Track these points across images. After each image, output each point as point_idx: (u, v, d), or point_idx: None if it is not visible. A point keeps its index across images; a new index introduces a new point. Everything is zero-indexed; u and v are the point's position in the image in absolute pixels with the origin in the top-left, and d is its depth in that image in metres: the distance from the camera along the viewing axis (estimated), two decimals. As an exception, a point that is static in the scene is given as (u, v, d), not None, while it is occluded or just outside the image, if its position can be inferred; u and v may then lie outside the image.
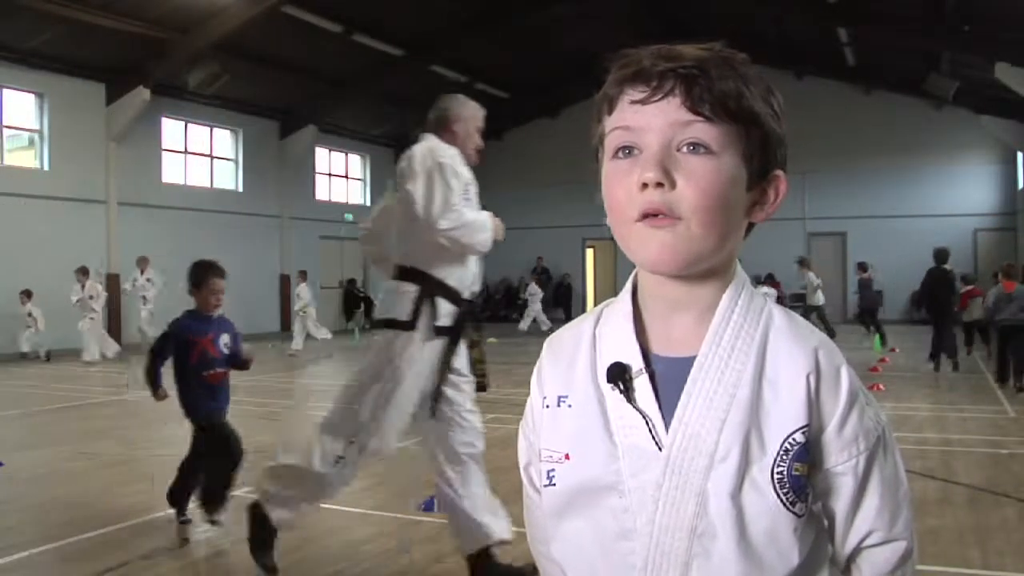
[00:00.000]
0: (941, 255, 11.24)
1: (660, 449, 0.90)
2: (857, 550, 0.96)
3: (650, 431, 0.91)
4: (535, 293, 20.89)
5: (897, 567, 0.97)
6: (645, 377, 0.92)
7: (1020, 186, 19.95)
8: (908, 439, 6.39)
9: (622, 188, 0.90)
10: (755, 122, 0.91)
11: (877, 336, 14.75)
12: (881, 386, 8.97)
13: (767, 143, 0.93)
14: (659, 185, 0.87)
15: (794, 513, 0.89)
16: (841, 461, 0.92)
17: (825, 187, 20.86)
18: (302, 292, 15.93)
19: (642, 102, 0.89)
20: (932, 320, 11.41)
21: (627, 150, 0.90)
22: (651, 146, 0.88)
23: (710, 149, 0.88)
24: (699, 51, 0.90)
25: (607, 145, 0.93)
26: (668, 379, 0.93)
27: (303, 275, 16.34)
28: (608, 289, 24.10)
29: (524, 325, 20.24)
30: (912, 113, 20.69)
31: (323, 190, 21.98)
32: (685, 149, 0.88)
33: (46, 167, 15.19)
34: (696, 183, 0.87)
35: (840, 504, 0.94)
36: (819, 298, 15.91)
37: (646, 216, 0.88)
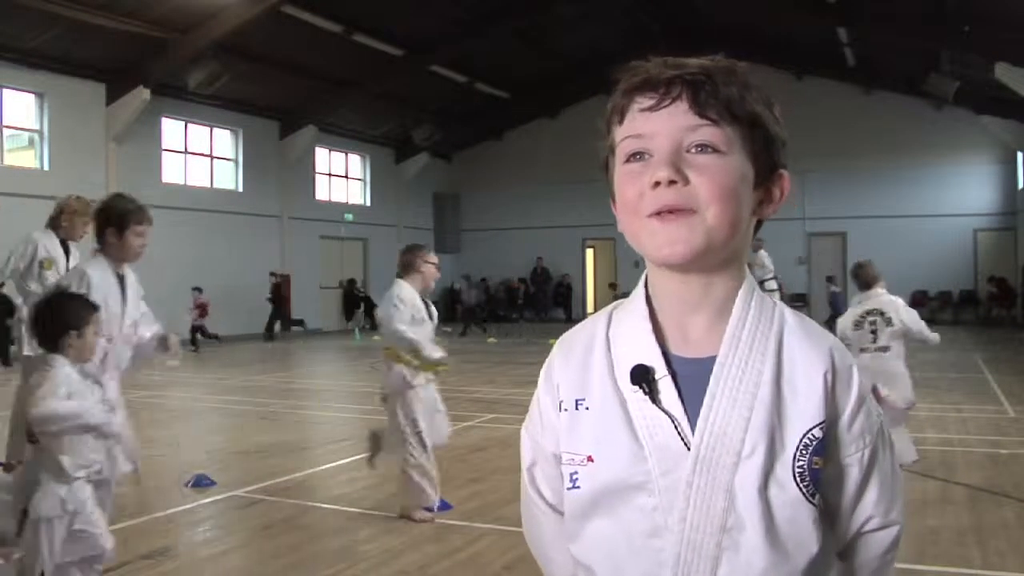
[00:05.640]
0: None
1: (688, 448, 0.92)
2: (856, 536, 1.00)
3: (677, 431, 0.93)
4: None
5: (889, 550, 1.02)
6: (669, 378, 0.95)
7: (1020, 186, 19.94)
8: (908, 439, 6.39)
9: (634, 187, 0.93)
10: (758, 123, 0.95)
11: None
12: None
13: (771, 143, 0.97)
14: (672, 183, 0.90)
15: (813, 504, 0.93)
16: (850, 454, 0.97)
17: (825, 187, 20.82)
18: None
19: (651, 109, 0.93)
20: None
21: (639, 155, 0.94)
22: (662, 149, 0.92)
23: (718, 149, 0.92)
24: (703, 60, 0.95)
25: (619, 153, 0.97)
26: (688, 379, 0.95)
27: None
28: (608, 289, 24.11)
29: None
30: (912, 113, 20.66)
31: (323, 190, 21.93)
32: (694, 150, 0.92)
33: (46, 167, 15.16)
34: (710, 177, 0.91)
35: (845, 494, 0.98)
36: None
37: (660, 212, 0.91)
